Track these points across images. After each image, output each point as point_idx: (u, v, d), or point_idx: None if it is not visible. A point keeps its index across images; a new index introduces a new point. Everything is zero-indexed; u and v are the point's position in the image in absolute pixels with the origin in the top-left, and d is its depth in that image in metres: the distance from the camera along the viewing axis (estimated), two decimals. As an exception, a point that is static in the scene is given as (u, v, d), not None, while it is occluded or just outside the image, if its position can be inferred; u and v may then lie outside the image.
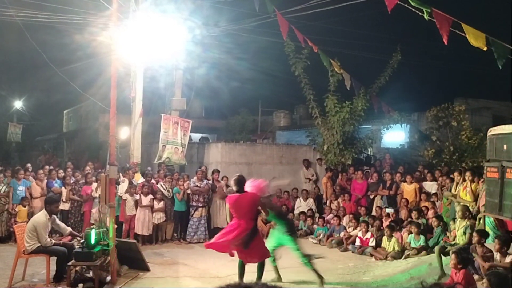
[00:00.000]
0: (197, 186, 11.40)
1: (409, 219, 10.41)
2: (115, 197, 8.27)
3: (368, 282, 7.68)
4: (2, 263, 8.30)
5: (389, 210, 11.20)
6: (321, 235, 11.30)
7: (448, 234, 9.11)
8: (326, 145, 13.74)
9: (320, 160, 14.27)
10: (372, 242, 10.05)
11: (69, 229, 8.10)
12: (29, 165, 12.46)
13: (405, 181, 11.64)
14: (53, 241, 7.55)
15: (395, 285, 7.36)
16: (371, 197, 12.19)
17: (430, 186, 11.46)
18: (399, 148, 16.57)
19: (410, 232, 9.68)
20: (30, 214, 9.94)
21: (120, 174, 10.90)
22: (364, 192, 12.27)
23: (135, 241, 9.15)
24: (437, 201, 10.86)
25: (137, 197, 10.88)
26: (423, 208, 10.66)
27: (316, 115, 13.93)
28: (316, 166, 14.49)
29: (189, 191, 11.44)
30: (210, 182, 11.71)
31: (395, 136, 16.73)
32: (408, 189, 11.47)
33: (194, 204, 11.32)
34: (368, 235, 10.21)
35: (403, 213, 11.01)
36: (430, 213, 10.28)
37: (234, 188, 6.85)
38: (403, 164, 13.41)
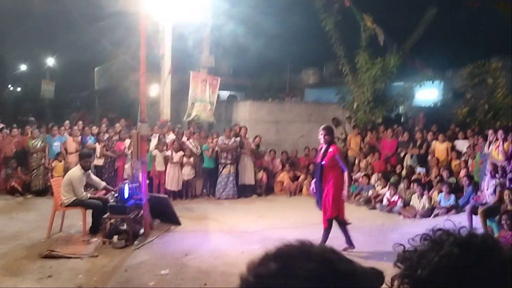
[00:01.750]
0: (225, 143, 11.52)
1: (440, 178, 10.31)
2: (146, 153, 8.46)
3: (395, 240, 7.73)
4: (40, 215, 8.67)
5: (420, 169, 11.09)
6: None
7: (478, 193, 9.00)
8: (356, 103, 13.54)
9: (350, 118, 14.09)
10: (400, 203, 10.02)
11: (104, 183, 8.37)
12: (67, 122, 12.72)
13: (437, 140, 11.44)
14: (89, 194, 7.82)
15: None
16: (401, 155, 12.05)
17: (462, 145, 11.24)
18: (432, 107, 16.19)
19: (440, 191, 9.61)
20: (66, 169, 10.27)
21: (152, 132, 11.10)
22: (393, 150, 12.14)
23: (166, 196, 9.41)
24: (469, 160, 10.67)
25: (167, 153, 11.10)
26: (454, 167, 10.51)
27: (346, 72, 13.68)
28: (345, 124, 14.34)
29: (217, 149, 11.59)
30: (238, 139, 11.79)
31: (427, 94, 16.32)
32: (439, 147, 11.28)
33: (223, 161, 11.48)
34: (396, 197, 10.15)
35: (433, 172, 10.88)
36: (462, 172, 10.13)
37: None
38: (435, 123, 13.14)
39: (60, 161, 11.06)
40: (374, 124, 13.44)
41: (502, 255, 0.89)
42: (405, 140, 12.07)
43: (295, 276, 0.79)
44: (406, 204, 9.96)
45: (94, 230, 7.42)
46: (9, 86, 26.40)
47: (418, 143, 11.80)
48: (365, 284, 0.82)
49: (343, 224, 6.68)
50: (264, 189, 12.15)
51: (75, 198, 7.50)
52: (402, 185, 10.43)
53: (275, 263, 0.82)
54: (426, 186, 10.08)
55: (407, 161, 11.81)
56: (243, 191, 11.72)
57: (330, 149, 6.54)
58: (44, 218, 8.06)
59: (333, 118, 14.18)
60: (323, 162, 6.57)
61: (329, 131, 6.63)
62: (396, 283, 1.26)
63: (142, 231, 7.47)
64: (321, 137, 6.61)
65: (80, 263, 6.18)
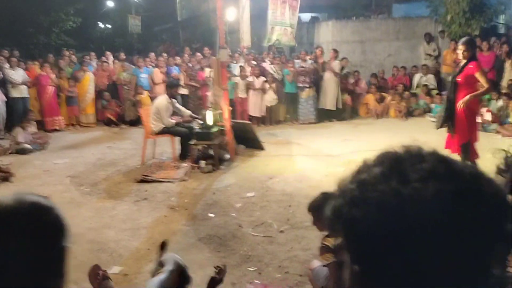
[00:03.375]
0: (302, 66, 11.25)
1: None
2: (228, 80, 8.49)
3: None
4: (135, 144, 9.23)
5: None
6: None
7: None
8: (449, 15, 12.36)
9: (443, 32, 12.96)
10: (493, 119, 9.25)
11: (189, 112, 8.60)
12: (152, 54, 13.14)
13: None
14: (175, 121, 8.07)
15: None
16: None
17: None
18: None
19: (546, 107, 8.73)
20: (153, 100, 10.69)
21: (233, 59, 11.09)
22: (491, 65, 11.07)
23: (249, 122, 9.51)
24: None
25: (249, 79, 11.09)
26: None
27: (438, -19, 12.44)
28: (438, 40, 13.22)
29: (297, 73, 11.36)
30: (313, 61, 11.45)
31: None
32: (546, 59, 10.10)
33: (300, 85, 11.27)
34: (488, 115, 9.36)
35: (538, 87, 9.86)
36: None
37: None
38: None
39: (141, 93, 11.54)
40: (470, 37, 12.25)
41: None
42: (505, 52, 10.92)
43: (406, 178, 0.65)
44: (504, 121, 9.19)
45: (183, 156, 7.76)
46: (99, 23, 27.57)
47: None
48: (490, 188, 0.66)
49: (467, 152, 5.75)
50: (349, 112, 11.84)
51: (163, 126, 7.82)
52: (500, 101, 9.59)
53: (379, 167, 0.69)
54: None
55: (508, 75, 10.76)
56: (324, 115, 11.51)
57: (470, 66, 5.87)
58: (138, 146, 8.57)
59: (425, 33, 13.13)
60: (458, 79, 5.97)
61: (470, 46, 5.73)
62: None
63: (227, 156, 7.69)
64: (459, 52, 5.93)
65: (172, 186, 6.55)
